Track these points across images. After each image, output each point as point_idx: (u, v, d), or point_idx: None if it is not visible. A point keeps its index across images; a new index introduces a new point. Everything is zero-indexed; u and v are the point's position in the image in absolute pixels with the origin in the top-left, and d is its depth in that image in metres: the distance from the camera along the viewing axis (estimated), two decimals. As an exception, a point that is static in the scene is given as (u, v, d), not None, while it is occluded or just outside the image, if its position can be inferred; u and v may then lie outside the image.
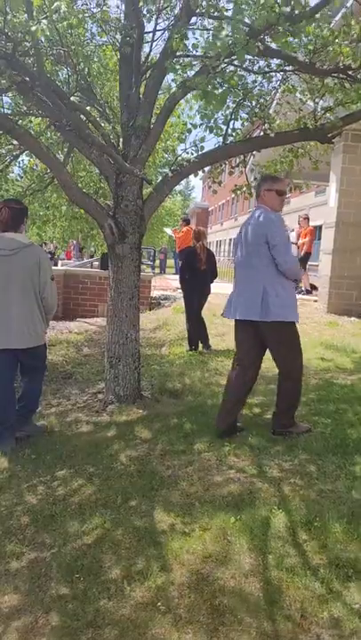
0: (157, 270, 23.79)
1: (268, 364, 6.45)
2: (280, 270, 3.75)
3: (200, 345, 7.16)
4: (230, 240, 39.12)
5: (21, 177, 6.56)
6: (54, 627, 2.12)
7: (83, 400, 5.08)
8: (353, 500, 3.00)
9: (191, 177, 5.47)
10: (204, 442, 3.90)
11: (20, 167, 6.67)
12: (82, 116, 4.34)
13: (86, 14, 4.65)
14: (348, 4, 6.54)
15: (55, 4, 3.13)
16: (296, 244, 12.59)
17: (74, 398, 5.16)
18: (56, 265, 14.45)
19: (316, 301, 10.94)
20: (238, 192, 6.08)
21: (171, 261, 31.02)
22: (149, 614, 2.15)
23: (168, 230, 18.41)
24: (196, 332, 7.15)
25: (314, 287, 11.79)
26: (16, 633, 2.11)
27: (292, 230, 14.15)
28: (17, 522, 2.92)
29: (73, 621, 2.14)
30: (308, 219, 12.77)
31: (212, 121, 4.91)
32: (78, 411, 4.78)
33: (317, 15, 3.50)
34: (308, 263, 12.59)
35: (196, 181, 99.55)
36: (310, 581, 2.29)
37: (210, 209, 50.24)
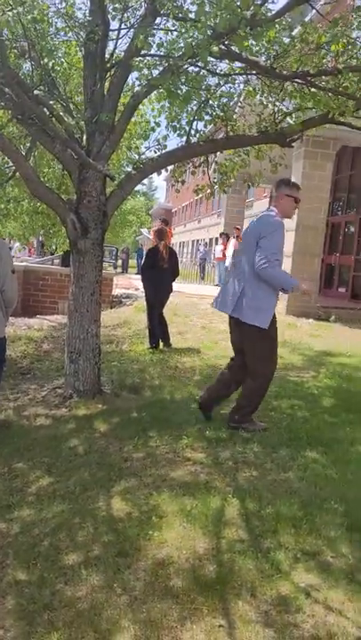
0: (120, 269, 23.75)
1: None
2: (255, 270, 3.73)
3: (161, 343, 7.22)
4: (193, 242, 39.37)
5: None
6: (10, 610, 2.15)
7: (41, 395, 5.06)
8: (303, 489, 3.12)
9: (155, 178, 5.55)
10: (162, 435, 3.96)
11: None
12: (45, 110, 4.34)
13: (51, 9, 4.66)
14: (309, 14, 6.75)
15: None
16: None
17: (32, 393, 5.14)
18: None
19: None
20: (200, 192, 6.19)
21: (133, 261, 31.03)
22: (105, 596, 2.20)
23: (145, 231, 18.49)
24: (157, 329, 7.21)
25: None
26: (-29, 617, 2.12)
27: (236, 237, 14.41)
28: (-27, 512, 2.92)
29: (29, 604, 2.17)
30: None
31: (175, 121, 5.01)
32: (37, 405, 4.77)
33: (278, 21, 3.62)
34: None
35: (159, 182, 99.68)
36: (260, 563, 2.39)
37: (173, 210, 50.41)
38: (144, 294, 7.55)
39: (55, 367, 6.15)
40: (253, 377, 4.04)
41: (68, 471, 3.41)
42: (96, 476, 3.31)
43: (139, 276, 9.63)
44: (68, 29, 4.96)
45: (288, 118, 5.11)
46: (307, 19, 6.31)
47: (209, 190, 6.24)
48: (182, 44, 3.12)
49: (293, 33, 4.48)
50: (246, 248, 3.90)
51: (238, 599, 2.18)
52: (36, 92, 4.41)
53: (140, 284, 8.80)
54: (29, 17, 4.02)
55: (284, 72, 4.41)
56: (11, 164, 5.44)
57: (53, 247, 15.99)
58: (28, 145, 5.70)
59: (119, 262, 26.44)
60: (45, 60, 4.69)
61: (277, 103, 5.11)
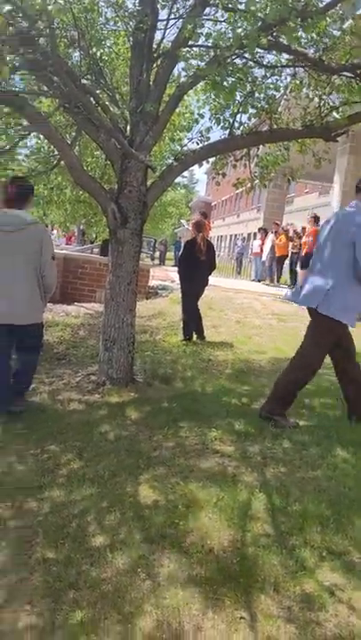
0: (157, 261, 23.83)
1: (262, 356, 6.56)
2: (355, 270, 3.66)
3: (194, 335, 7.24)
4: (231, 236, 39.13)
5: (27, 157, 6.59)
6: (38, 586, 2.21)
7: (75, 380, 5.15)
8: (332, 488, 3.09)
9: (196, 170, 5.55)
10: (192, 426, 3.98)
11: (27, 148, 6.71)
12: (91, 99, 4.38)
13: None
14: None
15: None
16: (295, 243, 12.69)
17: (67, 378, 5.23)
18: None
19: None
20: (240, 186, 6.15)
21: (170, 253, 31.07)
22: (129, 580, 2.24)
23: (184, 222, 18.47)
24: (192, 322, 7.23)
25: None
26: (0, 590, 2.19)
27: (274, 232, 14.22)
28: (5, 489, 3.00)
29: (56, 582, 2.23)
30: (315, 218, 12.72)
31: (219, 113, 4.99)
32: (71, 390, 4.86)
33: (329, 12, 3.55)
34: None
35: (200, 175, 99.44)
36: (285, 559, 2.39)
37: (213, 204, 50.22)
38: (179, 286, 7.57)
39: (90, 354, 6.24)
40: (300, 367, 4.01)
41: (98, 456, 3.46)
42: (125, 463, 3.36)
43: (175, 268, 9.66)
44: (117, 19, 4.98)
45: (334, 112, 5.02)
46: (359, 11, 6.16)
47: (249, 184, 6.19)
48: (230, 35, 3.09)
49: (344, 26, 4.39)
50: (336, 243, 3.79)
51: (261, 593, 2.18)
52: (83, 81, 4.46)
53: (176, 276, 8.82)
54: (80, 6, 4.06)
55: (333, 65, 4.33)
56: (56, 152, 5.52)
57: (93, 236, 16.17)
58: (74, 134, 5.77)
59: (156, 254, 26.53)
60: (94, 50, 4.73)
61: (324, 97, 5.01)
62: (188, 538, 2.54)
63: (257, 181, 6.12)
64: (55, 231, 18.63)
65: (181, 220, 21.02)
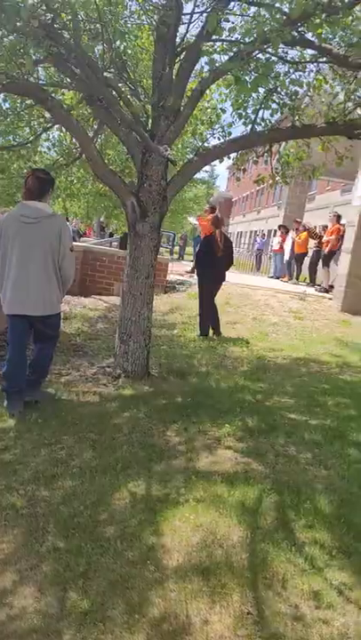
0: (176, 256, 23.79)
1: (278, 354, 6.54)
2: None
3: (211, 331, 7.23)
4: (251, 232, 38.90)
5: (50, 150, 6.64)
6: (47, 574, 2.24)
7: (91, 372, 5.19)
8: (344, 487, 3.08)
9: (216, 166, 5.52)
10: (205, 422, 3.99)
11: (49, 140, 6.76)
12: (114, 92, 4.39)
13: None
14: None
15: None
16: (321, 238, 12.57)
17: (83, 370, 5.27)
18: (76, 241, 14.55)
19: (330, 299, 10.94)
20: (261, 183, 6.10)
21: (190, 249, 31.00)
22: (138, 572, 2.26)
23: (192, 219, 18.36)
24: (208, 318, 7.22)
25: (332, 287, 11.72)
26: (11, 576, 2.23)
27: (295, 230, 14.09)
28: (19, 478, 3.04)
29: (66, 571, 2.26)
30: (338, 217, 12.57)
31: (241, 108, 4.96)
32: (86, 382, 4.89)
33: (357, 8, 3.50)
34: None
35: (220, 170, 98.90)
36: (294, 556, 2.39)
37: (233, 200, 49.94)
38: (197, 281, 7.56)
39: (106, 346, 6.27)
40: None
41: (110, 448, 3.49)
42: (137, 455, 3.38)
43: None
44: (141, 12, 4.97)
45: (358, 110, 4.95)
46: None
47: (271, 181, 6.14)
48: (255, 30, 3.06)
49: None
50: None
51: (269, 590, 2.19)
52: (105, 74, 4.47)
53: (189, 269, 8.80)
54: (104, -1, 4.07)
55: (359, 61, 4.27)
56: (78, 145, 5.55)
57: (113, 228, 16.20)
58: (95, 127, 5.79)
59: (176, 249, 26.49)
60: (117, 43, 4.73)
61: (348, 93, 4.95)
62: (197, 532, 2.55)
63: (278, 178, 6.08)
64: (73, 224, 18.69)
65: (189, 218, 20.84)
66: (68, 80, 4.52)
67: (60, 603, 2.10)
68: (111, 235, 19.12)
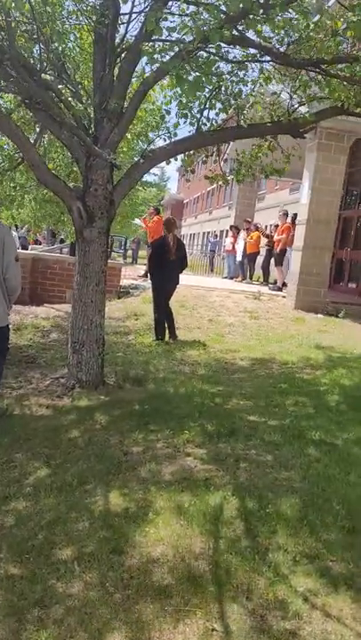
0: (129, 260, 23.61)
1: (235, 355, 6.52)
2: None
3: (167, 335, 7.15)
4: (204, 233, 39.15)
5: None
6: (0, 605, 2.10)
7: (44, 384, 5.02)
8: (305, 489, 3.05)
9: (166, 168, 5.46)
10: (163, 429, 3.90)
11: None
12: (53, 95, 4.25)
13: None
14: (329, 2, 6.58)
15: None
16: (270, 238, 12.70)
17: (36, 382, 5.09)
18: (25, 249, 14.19)
19: (284, 297, 11.06)
20: (212, 179, 6.07)
21: (144, 252, 30.84)
22: (97, 594, 2.15)
23: (137, 220, 18.20)
24: (163, 321, 7.14)
25: (285, 285, 11.84)
26: None
27: (245, 230, 14.24)
28: (-32, 503, 2.87)
29: (20, 600, 2.12)
30: (286, 215, 12.72)
31: (186, 109, 4.90)
32: (39, 395, 4.72)
33: (293, 5, 3.49)
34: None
35: (171, 172, 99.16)
36: (258, 565, 2.33)
37: (185, 201, 50.14)
38: (151, 285, 7.47)
39: (60, 356, 6.10)
40: None
41: (66, 463, 3.35)
42: (95, 469, 3.26)
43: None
44: (78, 13, 4.85)
45: (302, 108, 4.99)
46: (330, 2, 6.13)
47: (222, 181, 6.12)
48: (192, 27, 3.00)
49: (311, 22, 4.35)
50: None
51: (234, 602, 2.11)
52: (44, 76, 4.32)
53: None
54: (39, -1, 3.93)
55: (298, 59, 4.29)
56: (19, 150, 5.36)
57: (62, 236, 15.91)
58: (38, 131, 5.61)
59: (129, 252, 26.30)
60: (55, 45, 4.60)
61: (291, 92, 4.98)
62: (158, 547, 2.46)
63: (232, 177, 6.06)
64: (22, 230, 18.23)
65: (137, 220, 20.65)
66: (3, 82, 4.34)
67: (15, 635, 1.97)
68: (62, 241, 18.77)
